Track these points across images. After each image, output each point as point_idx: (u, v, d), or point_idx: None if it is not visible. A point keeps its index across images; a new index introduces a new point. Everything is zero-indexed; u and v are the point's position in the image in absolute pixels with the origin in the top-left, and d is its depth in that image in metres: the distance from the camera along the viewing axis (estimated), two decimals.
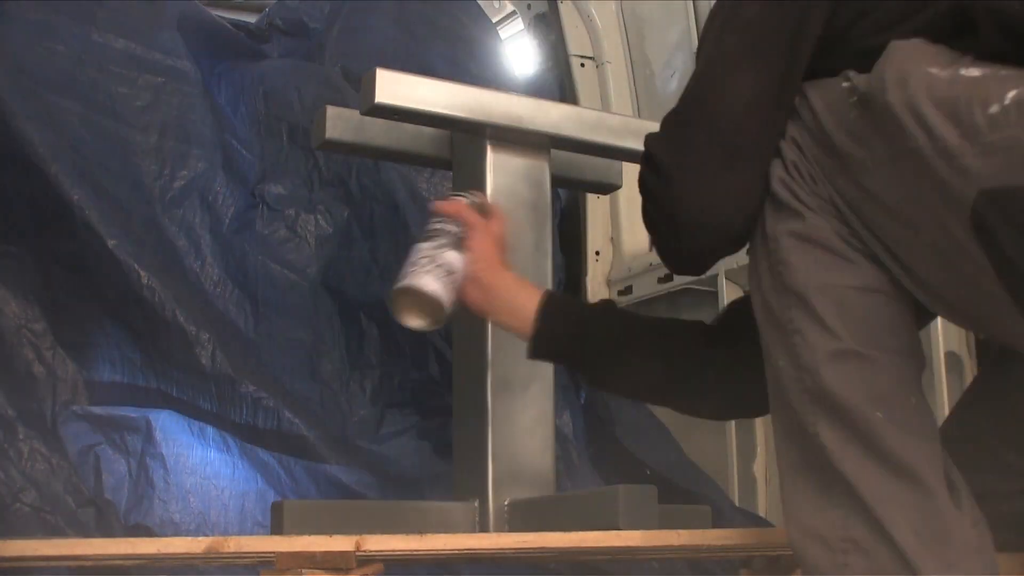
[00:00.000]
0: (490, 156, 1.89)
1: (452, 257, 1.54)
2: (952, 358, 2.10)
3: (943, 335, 2.10)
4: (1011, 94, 1.06)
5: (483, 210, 1.63)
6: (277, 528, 1.67)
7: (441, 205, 1.61)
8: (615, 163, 2.18)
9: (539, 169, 1.94)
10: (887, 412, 1.15)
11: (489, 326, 1.83)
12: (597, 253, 3.07)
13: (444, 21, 2.82)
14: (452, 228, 1.57)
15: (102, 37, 2.35)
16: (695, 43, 2.80)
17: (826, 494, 1.17)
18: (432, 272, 1.52)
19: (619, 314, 1.59)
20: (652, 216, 1.31)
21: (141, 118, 2.33)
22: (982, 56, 1.12)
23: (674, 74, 2.92)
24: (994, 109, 1.06)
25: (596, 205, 3.07)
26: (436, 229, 1.57)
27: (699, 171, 1.25)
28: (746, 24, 1.29)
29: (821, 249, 1.19)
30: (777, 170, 1.22)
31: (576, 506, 1.71)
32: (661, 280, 2.84)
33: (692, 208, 1.25)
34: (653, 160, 1.28)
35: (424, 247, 1.55)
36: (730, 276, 2.61)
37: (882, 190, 1.16)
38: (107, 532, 1.95)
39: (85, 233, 2.09)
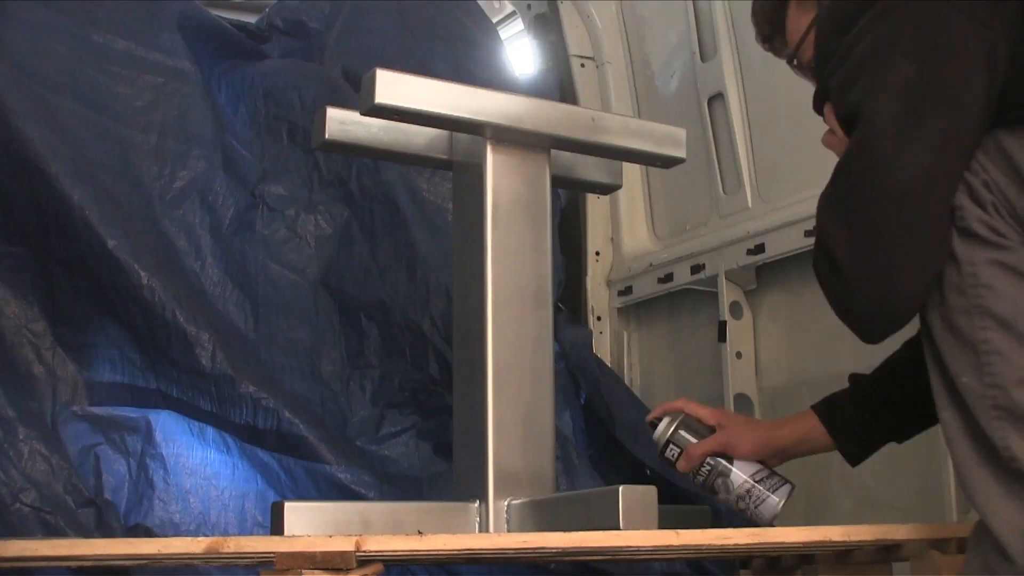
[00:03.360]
0: (490, 156, 1.89)
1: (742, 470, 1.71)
2: None
3: None
4: None
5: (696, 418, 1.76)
6: (277, 528, 1.67)
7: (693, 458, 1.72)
8: (615, 163, 2.18)
9: (539, 169, 1.94)
10: None
11: (489, 326, 1.84)
12: (597, 253, 3.07)
13: (444, 21, 2.82)
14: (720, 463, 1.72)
15: (102, 37, 2.35)
16: (695, 43, 2.81)
17: (1018, 492, 1.27)
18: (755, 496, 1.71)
19: (872, 379, 1.67)
20: (829, 298, 1.37)
21: (141, 118, 2.33)
22: None
23: (674, 74, 2.92)
24: None
25: (596, 205, 3.07)
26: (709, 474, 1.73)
27: (878, 268, 1.29)
28: (903, 89, 1.27)
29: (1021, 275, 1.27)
30: (975, 211, 1.27)
31: (576, 506, 1.71)
32: (661, 280, 2.84)
33: (871, 305, 1.31)
34: (830, 256, 1.32)
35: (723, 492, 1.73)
36: (730, 276, 2.61)
37: None
38: (107, 532, 1.95)
39: (85, 233, 2.09)
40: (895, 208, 1.26)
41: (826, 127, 1.49)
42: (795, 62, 1.64)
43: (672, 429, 1.75)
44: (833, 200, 1.33)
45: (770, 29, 1.70)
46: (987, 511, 1.31)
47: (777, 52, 1.72)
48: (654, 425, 1.78)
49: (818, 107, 1.49)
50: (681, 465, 1.73)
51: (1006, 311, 1.27)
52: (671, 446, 1.74)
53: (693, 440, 1.73)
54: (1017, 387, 1.27)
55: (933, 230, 1.28)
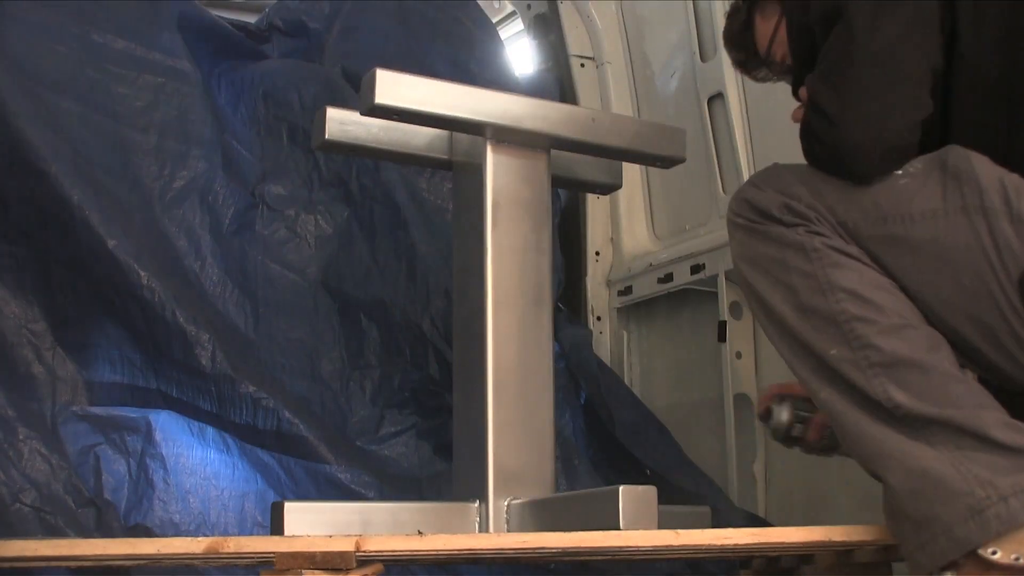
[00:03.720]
0: (490, 156, 1.89)
1: None
2: None
3: None
4: None
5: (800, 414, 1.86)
6: (277, 528, 1.67)
7: (812, 435, 1.84)
8: (615, 163, 2.18)
9: (539, 169, 1.94)
10: (944, 360, 1.42)
11: (489, 326, 1.84)
12: (597, 253, 3.07)
13: (444, 21, 2.82)
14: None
15: (102, 37, 2.35)
16: (695, 43, 2.81)
17: (922, 436, 1.40)
18: None
19: None
20: (819, 156, 1.54)
21: (141, 118, 2.33)
22: None
23: (674, 74, 2.92)
24: None
25: (596, 205, 3.07)
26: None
27: (855, 100, 1.47)
28: None
29: (855, 259, 1.47)
30: (804, 224, 1.49)
31: (576, 506, 1.71)
32: (661, 280, 2.83)
33: (865, 139, 1.47)
34: (823, 111, 1.49)
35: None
36: (730, 276, 2.61)
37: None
38: (107, 532, 1.95)
39: (85, 233, 2.09)
40: (872, 66, 1.47)
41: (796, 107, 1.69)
42: (769, 64, 1.84)
43: (791, 411, 1.85)
44: (821, 74, 1.52)
45: (743, 53, 1.90)
46: (885, 465, 1.42)
47: (751, 72, 1.93)
48: (767, 417, 1.88)
49: (796, 92, 1.70)
50: (812, 436, 1.85)
51: (851, 282, 1.45)
52: (797, 425, 1.85)
53: (811, 414, 1.85)
54: (882, 337, 1.42)
55: (910, 84, 1.47)
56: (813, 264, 1.48)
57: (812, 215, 1.49)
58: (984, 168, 1.44)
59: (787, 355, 1.53)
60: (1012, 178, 1.43)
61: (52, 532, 1.90)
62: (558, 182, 2.10)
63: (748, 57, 1.88)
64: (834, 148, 1.50)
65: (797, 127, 1.91)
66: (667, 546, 1.52)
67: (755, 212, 1.56)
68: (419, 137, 2.01)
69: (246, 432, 2.13)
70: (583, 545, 1.49)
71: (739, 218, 1.59)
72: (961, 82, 1.51)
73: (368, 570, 1.47)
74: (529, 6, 3.26)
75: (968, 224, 1.43)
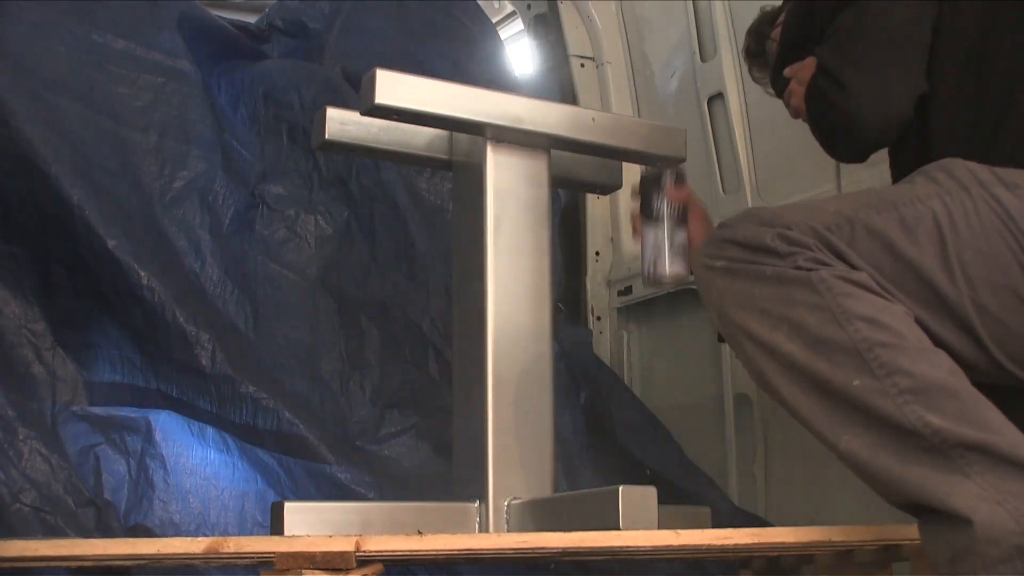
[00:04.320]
0: (490, 156, 1.89)
1: (682, 236, 1.90)
2: None
3: None
4: None
5: (681, 179, 1.93)
6: (277, 528, 1.67)
7: (670, 191, 1.92)
8: (615, 163, 2.18)
9: (539, 169, 1.94)
10: (968, 383, 1.35)
11: (489, 326, 1.84)
12: (597, 253, 3.07)
13: (444, 21, 2.82)
14: (673, 208, 1.90)
15: (102, 37, 2.35)
16: (695, 43, 2.81)
17: (958, 467, 1.30)
18: (677, 255, 1.89)
19: None
20: (826, 119, 1.63)
21: (141, 118, 2.33)
22: None
23: (674, 74, 2.92)
24: None
25: (596, 205, 3.07)
26: (659, 210, 1.90)
27: (867, 71, 1.58)
28: None
29: (864, 288, 1.39)
30: (802, 252, 1.42)
31: (576, 506, 1.71)
32: None
33: (871, 110, 1.57)
34: (835, 77, 1.59)
35: (660, 231, 1.89)
36: None
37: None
38: (107, 532, 1.95)
39: (85, 233, 2.09)
40: (883, 43, 1.59)
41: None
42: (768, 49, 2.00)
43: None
44: (835, 45, 1.61)
45: (752, 39, 2.09)
46: (945, 497, 1.30)
47: (753, 60, 2.10)
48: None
49: (776, 84, 1.87)
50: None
51: (867, 309, 1.37)
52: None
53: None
54: (909, 362, 1.34)
55: (914, 63, 1.59)
56: (823, 296, 1.38)
57: (811, 242, 1.42)
58: (964, 162, 1.49)
59: (799, 401, 1.41)
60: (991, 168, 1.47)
61: (52, 532, 1.90)
62: (558, 182, 2.10)
63: (755, 44, 2.06)
64: (842, 112, 1.59)
65: (797, 127, 1.92)
66: (667, 546, 1.52)
67: (741, 249, 1.46)
68: (419, 137, 2.01)
69: (246, 432, 2.13)
70: (583, 545, 1.49)
71: (719, 261, 1.48)
72: (942, 50, 1.60)
73: (368, 570, 1.47)
74: (529, 6, 3.26)
75: (969, 197, 1.42)
